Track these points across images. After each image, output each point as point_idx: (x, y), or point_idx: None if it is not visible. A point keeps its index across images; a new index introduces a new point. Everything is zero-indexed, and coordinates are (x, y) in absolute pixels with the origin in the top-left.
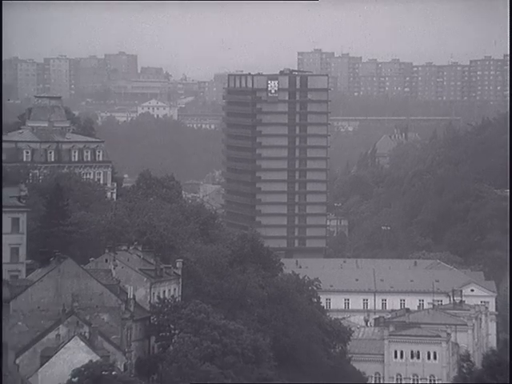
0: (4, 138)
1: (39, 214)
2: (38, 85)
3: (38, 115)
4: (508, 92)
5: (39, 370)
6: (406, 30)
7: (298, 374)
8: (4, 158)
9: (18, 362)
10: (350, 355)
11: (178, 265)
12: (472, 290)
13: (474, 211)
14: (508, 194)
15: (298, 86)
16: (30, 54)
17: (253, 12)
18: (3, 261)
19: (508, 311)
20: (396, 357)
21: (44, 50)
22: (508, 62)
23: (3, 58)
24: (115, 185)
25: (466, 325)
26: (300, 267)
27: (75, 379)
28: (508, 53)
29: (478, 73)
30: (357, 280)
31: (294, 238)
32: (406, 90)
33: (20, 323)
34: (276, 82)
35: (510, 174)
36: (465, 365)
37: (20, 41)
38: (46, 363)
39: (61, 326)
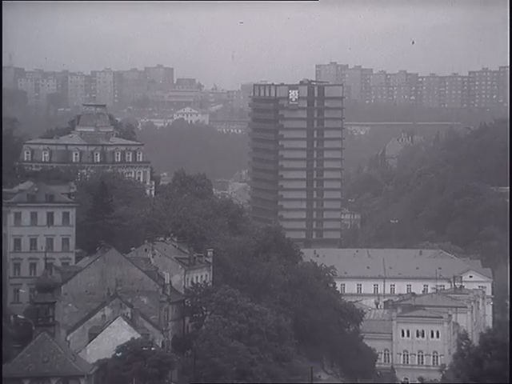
0: (56, 141)
1: (86, 208)
2: (86, 94)
3: (85, 121)
4: (508, 98)
5: (87, 346)
6: (412, 44)
7: (316, 351)
8: (56, 159)
9: (68, 338)
10: (362, 334)
11: (209, 254)
12: (471, 276)
13: (473, 206)
14: (507, 191)
15: (315, 95)
16: (78, 67)
17: (274, 25)
18: (55, 249)
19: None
20: (403, 335)
21: (91, 62)
22: (502, 74)
23: (56, 70)
24: (153, 183)
25: (465, 307)
26: (317, 256)
27: (119, 354)
28: (502, 65)
29: (476, 83)
30: (368, 267)
31: (312, 230)
32: (412, 98)
33: (70, 305)
34: (296, 91)
35: (510, 173)
36: (463, 342)
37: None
38: (94, 340)
39: (106, 307)
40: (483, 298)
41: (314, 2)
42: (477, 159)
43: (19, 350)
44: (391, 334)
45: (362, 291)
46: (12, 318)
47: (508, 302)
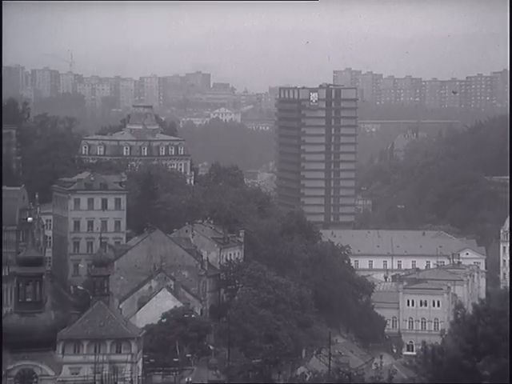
0: (109, 137)
1: (135, 195)
2: (135, 97)
3: (134, 120)
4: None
5: (137, 313)
6: (416, 52)
7: (333, 318)
8: (109, 152)
9: (120, 306)
10: (373, 304)
11: (240, 234)
12: (467, 254)
13: (469, 193)
14: (499, 180)
15: (333, 97)
16: (128, 73)
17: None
18: (108, 230)
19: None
20: (408, 305)
21: (139, 69)
22: (494, 79)
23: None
24: (193, 173)
25: (462, 280)
26: (334, 236)
27: (164, 320)
28: (495, 71)
29: (472, 86)
30: (378, 246)
31: (330, 214)
32: (417, 99)
33: (122, 278)
34: (316, 94)
35: (510, 168)
36: (459, 311)
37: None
38: (142, 308)
39: (152, 280)
40: (478, 273)
41: (314, 2)
42: (473, 152)
43: (79, 316)
44: (398, 303)
45: (373, 267)
46: (72, 288)
47: (499, 276)
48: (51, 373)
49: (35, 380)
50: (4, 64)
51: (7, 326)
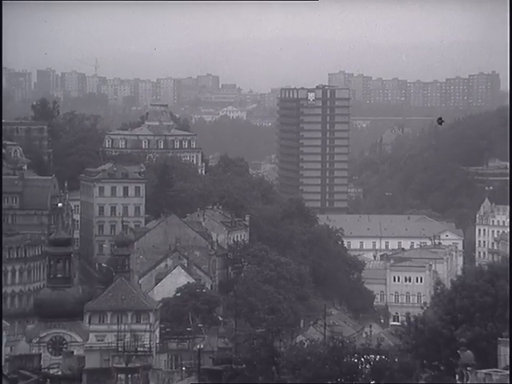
0: (130, 132)
1: (153, 184)
2: (152, 97)
3: (152, 117)
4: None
5: (154, 288)
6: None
7: (328, 292)
8: (129, 146)
9: (140, 282)
10: (363, 280)
11: (246, 218)
12: (446, 235)
13: (449, 182)
14: (475, 170)
15: (328, 97)
16: (147, 76)
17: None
18: (129, 215)
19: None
20: (394, 280)
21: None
22: (471, 81)
23: (129, 78)
24: (203, 164)
25: (442, 259)
26: (329, 220)
27: (178, 294)
28: (471, 73)
29: (451, 87)
30: (368, 229)
31: (325, 201)
32: (402, 99)
33: (141, 257)
34: (313, 94)
35: (510, 167)
36: (439, 286)
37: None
38: (159, 283)
39: (168, 258)
40: (456, 252)
41: (314, 3)
42: (452, 146)
43: (103, 290)
44: (385, 279)
45: (364, 247)
46: (97, 266)
47: (475, 255)
48: (79, 339)
49: (65, 346)
50: (36, 67)
51: (40, 299)
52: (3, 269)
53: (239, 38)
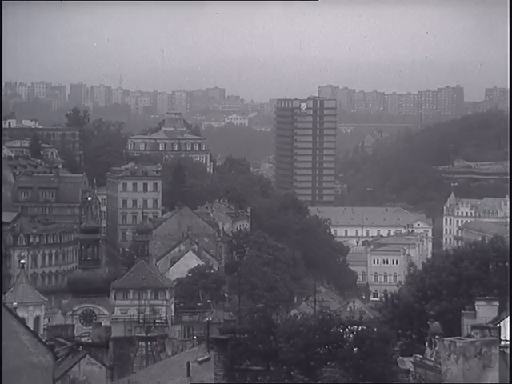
0: (149, 137)
1: (168, 180)
2: (168, 106)
3: (168, 123)
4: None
5: (170, 269)
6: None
7: (318, 273)
8: (149, 148)
9: (157, 264)
10: (347, 262)
11: (248, 210)
12: (418, 224)
13: (420, 179)
14: (443, 168)
15: (317, 106)
16: (164, 88)
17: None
18: (148, 207)
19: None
20: (374, 263)
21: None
22: (439, 93)
23: (149, 90)
24: (212, 164)
25: (414, 244)
26: (319, 212)
27: (190, 274)
28: (440, 87)
29: (423, 98)
30: (352, 219)
31: (315, 195)
32: (381, 108)
33: (158, 242)
34: (305, 104)
35: (510, 168)
36: (412, 268)
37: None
38: (174, 265)
39: (181, 244)
40: (426, 239)
41: (314, 3)
42: (423, 148)
43: (126, 271)
44: (366, 262)
45: (348, 234)
46: (121, 250)
47: (442, 241)
48: (106, 312)
49: (95, 318)
50: (70, 81)
51: (73, 278)
52: (42, 252)
53: (242, 57)
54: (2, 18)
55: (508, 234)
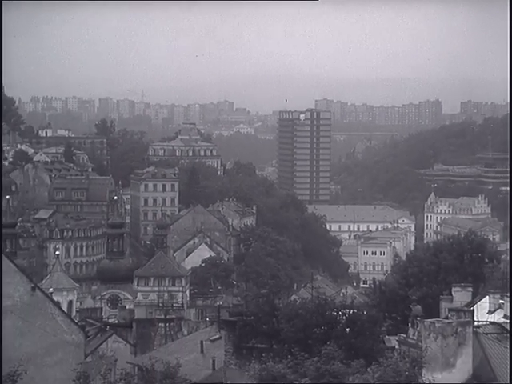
0: (167, 143)
1: (184, 182)
2: (184, 117)
3: (183, 132)
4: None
5: (185, 259)
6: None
7: (315, 263)
8: (167, 154)
9: (174, 255)
10: (340, 254)
11: (254, 208)
12: (403, 220)
13: (404, 181)
14: (424, 171)
15: (314, 117)
16: (180, 101)
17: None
18: (167, 205)
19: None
20: (364, 254)
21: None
22: (421, 106)
23: (167, 103)
24: (222, 168)
25: (399, 238)
26: (316, 209)
27: (203, 264)
28: (421, 100)
29: (406, 111)
30: (345, 216)
31: (313, 195)
32: (370, 119)
33: (175, 236)
34: (304, 115)
35: (510, 170)
36: (397, 258)
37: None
38: (189, 256)
39: (195, 238)
40: (409, 233)
41: (313, 2)
42: (406, 154)
43: (147, 261)
44: (357, 253)
45: (341, 229)
46: (143, 243)
47: (424, 235)
48: (130, 297)
49: (120, 302)
50: (99, 96)
51: (101, 267)
52: (74, 244)
53: (248, 74)
54: (1, 18)
55: (482, 230)
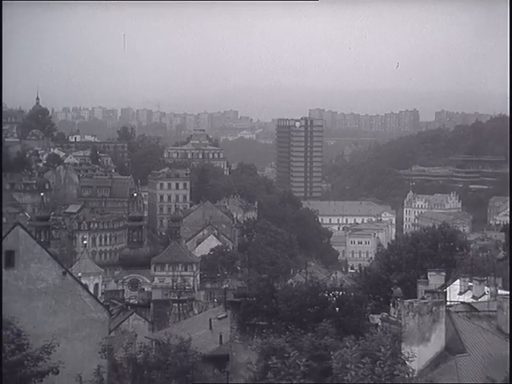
0: (179, 148)
1: (195, 181)
2: (195, 124)
3: (194, 138)
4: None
5: (196, 248)
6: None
7: (308, 252)
8: (180, 156)
9: (186, 244)
10: (331, 243)
11: (255, 203)
12: (385, 214)
13: (386, 180)
14: (404, 172)
15: (308, 124)
16: (191, 111)
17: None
18: (179, 201)
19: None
20: (351, 243)
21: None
22: (400, 115)
23: (179, 112)
24: (228, 168)
25: (382, 229)
26: (309, 205)
27: (211, 252)
28: (402, 110)
29: (388, 119)
30: (334, 210)
31: (307, 192)
32: (356, 126)
33: (187, 228)
34: (299, 122)
35: (510, 172)
36: (380, 247)
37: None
38: (199, 245)
39: (205, 229)
40: (391, 225)
41: (313, 2)
42: (387, 156)
43: (163, 250)
44: (345, 243)
45: (332, 222)
46: (159, 234)
47: (403, 227)
48: (148, 281)
49: (139, 285)
50: (121, 106)
51: (123, 254)
52: (99, 235)
53: (251, 86)
54: (1, 19)
55: (454, 223)
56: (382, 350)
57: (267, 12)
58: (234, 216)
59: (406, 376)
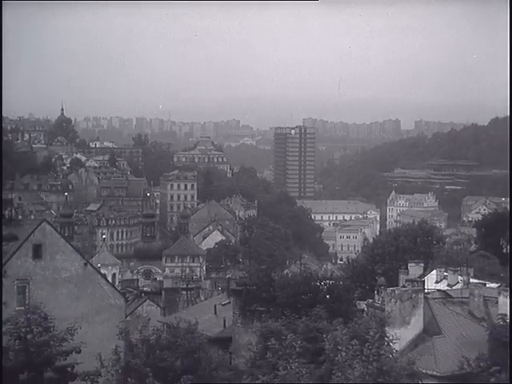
0: (188, 153)
1: (201, 182)
2: (201, 132)
3: (201, 144)
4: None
5: (202, 242)
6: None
7: (302, 245)
8: (188, 161)
9: (194, 239)
10: (322, 238)
11: (255, 202)
12: (370, 212)
13: (372, 181)
14: (388, 174)
15: (302, 132)
16: (198, 119)
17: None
18: (187, 200)
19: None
20: (340, 238)
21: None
22: (385, 124)
23: (188, 121)
24: (231, 171)
25: (368, 225)
26: (303, 203)
27: (216, 246)
28: (391, 119)
29: (373, 127)
30: (326, 208)
31: (301, 192)
32: (345, 133)
33: (194, 224)
34: (294, 130)
35: (511, 170)
36: (365, 242)
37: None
38: (205, 239)
39: (210, 225)
40: (375, 222)
41: (313, 2)
42: (373, 160)
43: (173, 243)
44: (335, 237)
45: (323, 219)
46: (169, 229)
47: (386, 223)
48: (160, 271)
49: (152, 275)
50: (136, 116)
51: (138, 247)
52: (116, 230)
53: (252, 96)
54: (1, 19)
55: (431, 219)
56: (371, 332)
57: (268, 27)
58: (236, 213)
59: (390, 356)
